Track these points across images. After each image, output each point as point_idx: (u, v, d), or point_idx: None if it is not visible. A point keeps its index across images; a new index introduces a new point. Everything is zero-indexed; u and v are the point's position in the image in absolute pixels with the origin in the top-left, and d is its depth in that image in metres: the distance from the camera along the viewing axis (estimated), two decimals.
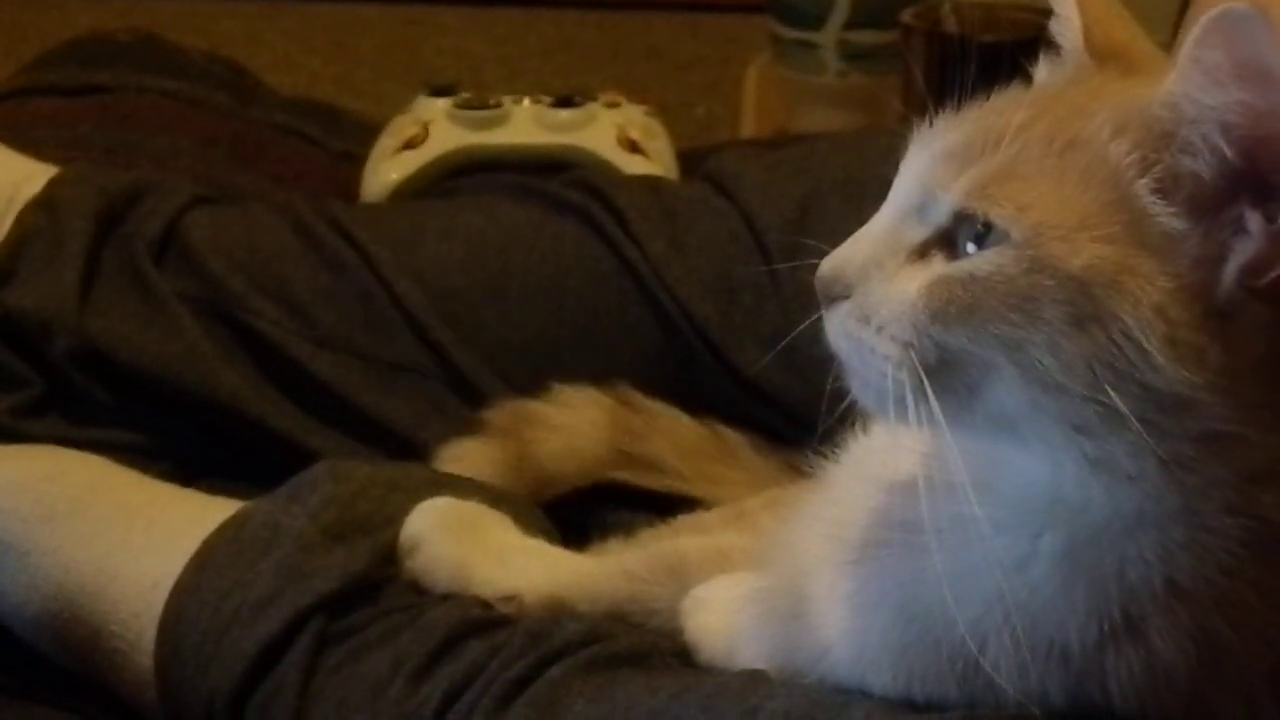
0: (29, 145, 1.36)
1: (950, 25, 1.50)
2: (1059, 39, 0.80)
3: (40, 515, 1.07)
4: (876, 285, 0.74)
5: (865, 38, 1.74)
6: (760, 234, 1.23)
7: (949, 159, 0.74)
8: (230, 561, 1.01)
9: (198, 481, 1.16)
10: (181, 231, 1.27)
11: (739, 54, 2.10)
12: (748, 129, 1.90)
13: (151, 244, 1.26)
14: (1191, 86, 0.69)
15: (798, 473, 1.00)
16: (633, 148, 1.50)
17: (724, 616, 0.94)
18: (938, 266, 0.73)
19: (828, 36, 1.75)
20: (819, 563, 0.85)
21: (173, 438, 1.24)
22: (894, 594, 0.80)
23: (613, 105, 1.55)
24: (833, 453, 0.87)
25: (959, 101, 0.78)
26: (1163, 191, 0.71)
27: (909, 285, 0.73)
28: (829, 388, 0.77)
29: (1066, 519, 0.75)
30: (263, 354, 1.24)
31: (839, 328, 0.76)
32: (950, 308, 0.72)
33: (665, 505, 1.13)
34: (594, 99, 1.55)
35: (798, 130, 1.77)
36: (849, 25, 1.74)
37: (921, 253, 0.74)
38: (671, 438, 1.17)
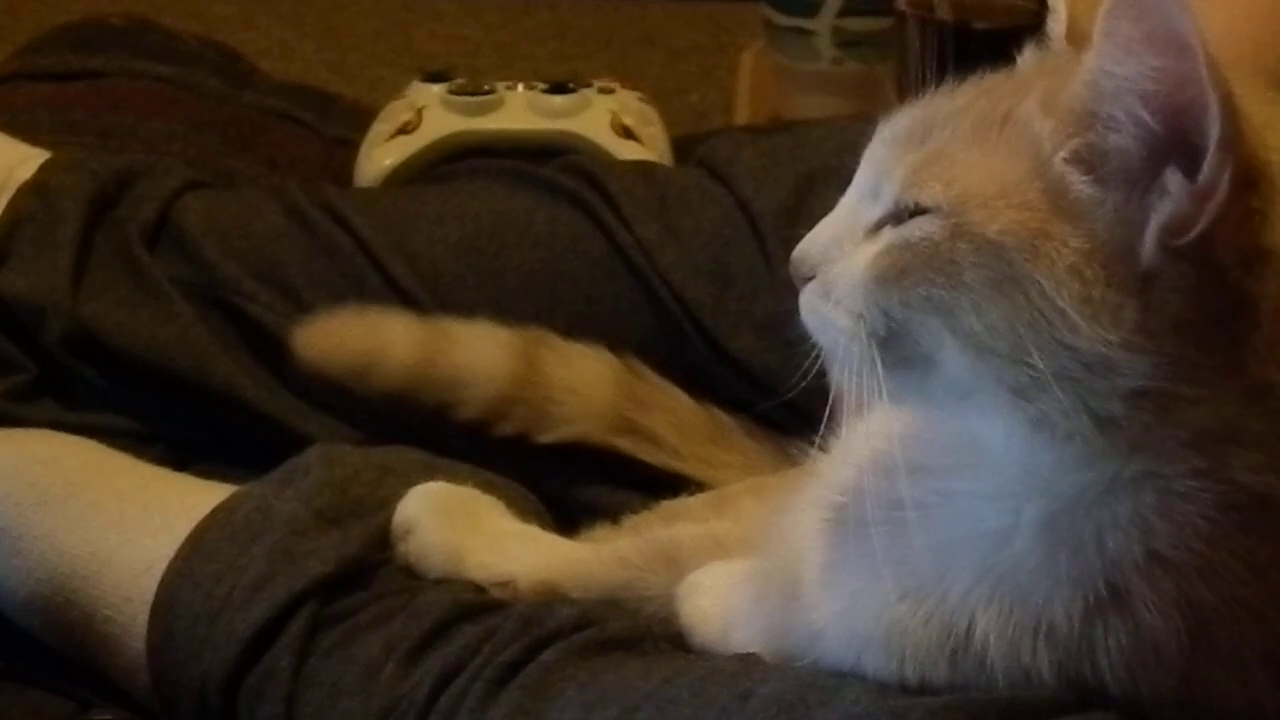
0: (22, 130, 1.36)
1: (945, 12, 1.50)
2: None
3: (33, 499, 1.07)
4: (836, 263, 0.78)
5: (859, 25, 1.74)
6: (754, 219, 1.22)
7: (894, 145, 0.78)
8: (223, 545, 1.01)
9: (191, 466, 1.16)
10: (175, 216, 1.27)
11: (733, 41, 2.10)
12: (742, 116, 1.90)
13: (145, 228, 1.26)
14: (1106, 60, 0.72)
15: (790, 458, 1.00)
16: (627, 134, 1.50)
17: (718, 600, 0.94)
18: (884, 238, 0.76)
19: (822, 23, 1.75)
20: (811, 545, 0.86)
21: (166, 422, 1.23)
22: (884, 572, 0.80)
23: (607, 91, 1.55)
24: (826, 438, 0.88)
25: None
26: (1083, 163, 0.73)
27: (861, 259, 0.76)
28: (808, 367, 0.80)
29: (1043, 488, 0.76)
30: (256, 338, 1.24)
31: (806, 305, 0.79)
32: (887, 272, 0.75)
33: (652, 486, 1.13)
34: (588, 85, 1.55)
35: (792, 117, 1.76)
36: (843, 12, 1.73)
37: (875, 230, 0.77)
38: (672, 414, 1.17)
